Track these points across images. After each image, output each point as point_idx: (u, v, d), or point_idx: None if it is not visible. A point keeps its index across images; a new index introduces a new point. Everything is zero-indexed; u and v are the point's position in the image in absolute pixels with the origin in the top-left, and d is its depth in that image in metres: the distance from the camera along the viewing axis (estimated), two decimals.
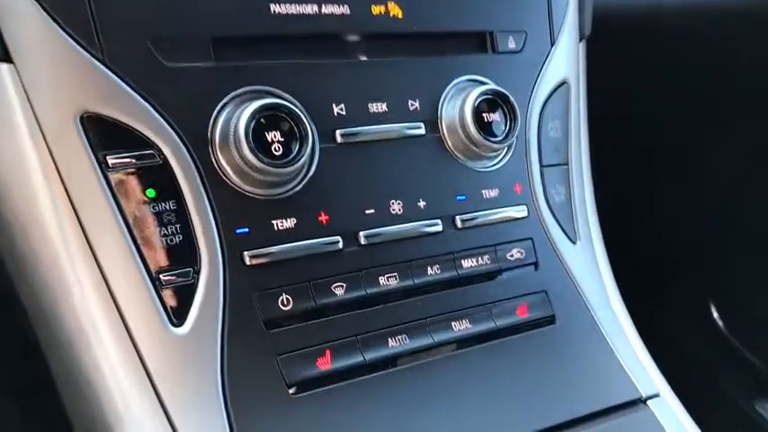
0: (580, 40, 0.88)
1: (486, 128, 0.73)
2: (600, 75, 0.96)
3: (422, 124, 0.72)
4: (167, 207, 0.61)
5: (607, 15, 0.98)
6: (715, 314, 1.77)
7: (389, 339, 0.68)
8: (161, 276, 0.61)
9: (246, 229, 0.63)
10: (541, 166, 0.79)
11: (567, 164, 0.82)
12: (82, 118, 0.59)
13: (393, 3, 0.72)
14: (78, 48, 0.59)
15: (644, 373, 0.78)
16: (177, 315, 0.61)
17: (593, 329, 0.78)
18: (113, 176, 0.60)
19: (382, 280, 0.69)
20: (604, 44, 0.95)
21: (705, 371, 1.78)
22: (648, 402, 0.76)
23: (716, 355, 1.78)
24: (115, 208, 0.60)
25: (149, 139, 0.61)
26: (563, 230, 0.80)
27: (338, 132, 0.68)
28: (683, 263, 1.83)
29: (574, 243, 0.80)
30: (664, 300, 1.83)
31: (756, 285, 1.67)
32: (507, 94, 0.74)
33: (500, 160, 0.77)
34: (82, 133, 0.59)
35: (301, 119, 0.63)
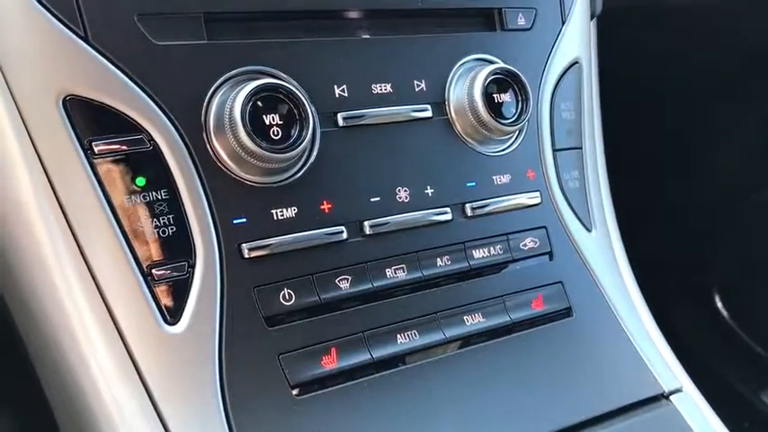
0: (591, 18, 0.84)
1: (496, 109, 0.69)
2: (608, 54, 0.92)
3: (429, 106, 0.68)
4: (159, 196, 0.57)
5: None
6: (719, 304, 1.75)
7: (398, 335, 0.64)
8: (153, 271, 0.56)
9: (244, 220, 0.59)
10: (554, 150, 0.75)
11: (580, 147, 0.78)
12: (65, 101, 0.55)
13: None
14: (60, 25, 0.55)
15: (666, 367, 0.74)
16: (171, 312, 0.57)
17: (611, 322, 0.74)
18: (100, 164, 0.56)
19: (389, 272, 0.65)
20: (612, 22, 0.91)
21: (709, 361, 1.76)
22: (671, 398, 0.72)
23: (720, 345, 1.76)
24: (102, 198, 0.56)
25: (138, 123, 0.57)
26: (578, 218, 0.76)
27: (340, 115, 0.64)
28: (686, 252, 1.81)
29: (589, 231, 0.76)
30: (667, 289, 1.81)
31: (761, 275, 1.65)
32: (518, 73, 0.70)
33: (511, 144, 0.73)
34: (65, 118, 0.55)
35: (301, 101, 0.59)
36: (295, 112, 0.59)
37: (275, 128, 0.58)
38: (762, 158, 1.66)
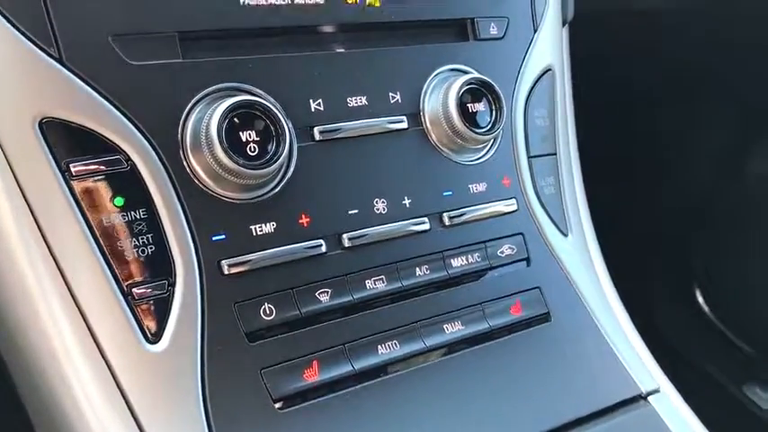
0: (563, 24, 0.85)
1: (470, 119, 0.69)
2: (581, 59, 0.93)
3: (404, 117, 0.69)
4: (137, 216, 0.57)
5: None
6: (700, 299, 1.78)
7: (379, 346, 0.65)
8: (133, 290, 0.57)
9: (223, 236, 0.60)
10: (529, 156, 0.76)
11: (555, 153, 0.79)
12: (41, 124, 0.55)
13: None
14: (33, 47, 0.55)
15: (643, 368, 0.76)
16: (152, 331, 0.57)
17: (589, 325, 0.75)
18: (78, 186, 0.56)
19: (369, 284, 0.65)
20: (584, 27, 0.92)
21: (694, 357, 1.79)
22: (649, 398, 0.74)
23: (702, 341, 1.79)
24: (81, 220, 0.56)
25: (115, 143, 0.57)
26: (554, 223, 0.77)
27: (317, 129, 0.65)
28: (667, 251, 1.83)
29: (565, 236, 0.78)
30: (649, 288, 1.84)
31: (740, 270, 1.68)
32: (492, 82, 0.70)
33: (486, 152, 0.74)
34: (42, 140, 0.55)
35: (277, 117, 0.60)
36: (271, 128, 0.59)
37: (252, 144, 0.59)
38: (734, 157, 1.68)
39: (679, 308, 1.83)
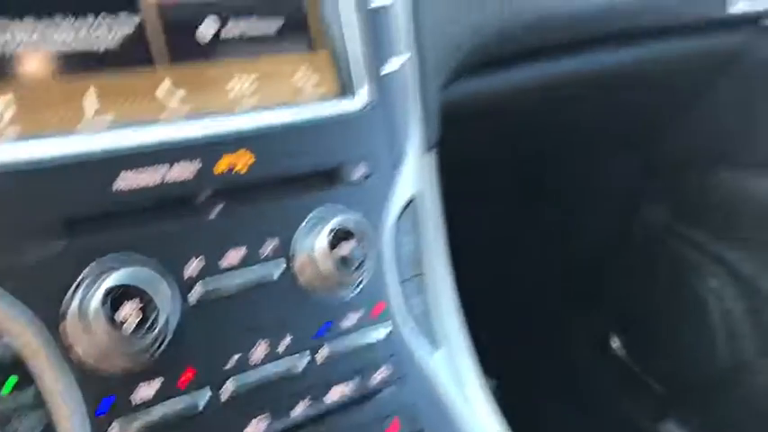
0: (429, 149, 0.93)
1: (340, 261, 0.76)
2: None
3: (279, 264, 0.75)
4: (27, 397, 0.63)
5: (453, 115, 1.04)
6: (616, 344, 1.89)
7: None
8: None
9: (109, 405, 0.65)
10: (400, 281, 0.84)
11: (424, 274, 0.87)
12: None
13: (244, 149, 0.74)
14: None
15: None
16: None
17: None
18: None
19: (252, 426, 0.71)
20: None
21: (610, 399, 1.89)
22: None
23: (619, 384, 1.89)
24: None
25: (2, 327, 0.62)
26: (425, 340, 0.84)
27: (197, 289, 0.70)
28: (584, 303, 1.94)
29: (437, 350, 0.85)
30: (569, 338, 1.95)
31: (652, 317, 1.80)
32: (359, 224, 0.77)
33: (359, 285, 0.80)
34: None
35: (156, 288, 0.65)
36: (151, 300, 0.65)
37: (133, 315, 0.65)
38: (634, 207, 1.80)
39: (596, 352, 1.94)
